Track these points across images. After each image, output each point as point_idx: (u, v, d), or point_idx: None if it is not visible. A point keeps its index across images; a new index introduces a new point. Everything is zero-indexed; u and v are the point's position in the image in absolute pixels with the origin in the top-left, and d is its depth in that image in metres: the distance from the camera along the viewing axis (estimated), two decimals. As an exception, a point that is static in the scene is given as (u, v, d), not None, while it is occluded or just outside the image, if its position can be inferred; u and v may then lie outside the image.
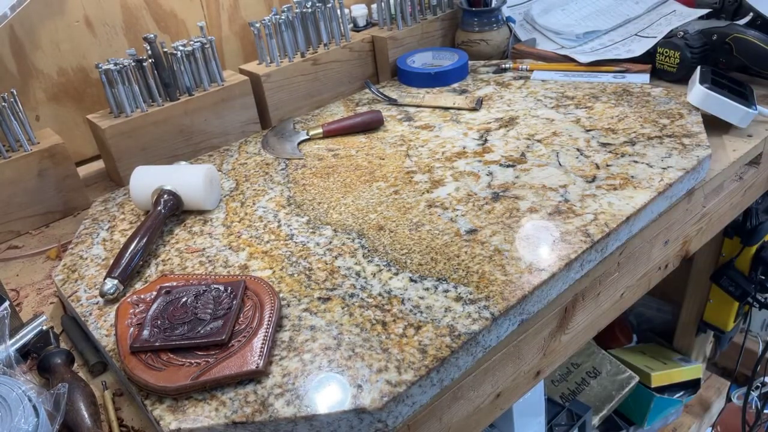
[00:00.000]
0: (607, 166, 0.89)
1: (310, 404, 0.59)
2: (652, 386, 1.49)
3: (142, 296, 0.72)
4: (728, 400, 1.62)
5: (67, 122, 1.09)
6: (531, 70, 1.23)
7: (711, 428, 1.67)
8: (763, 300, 1.40)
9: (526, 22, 1.37)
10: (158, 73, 1.03)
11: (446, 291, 0.70)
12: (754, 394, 1.62)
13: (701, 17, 1.20)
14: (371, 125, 1.09)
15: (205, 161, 1.07)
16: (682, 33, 1.11)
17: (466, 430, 0.72)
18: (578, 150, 0.94)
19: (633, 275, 0.88)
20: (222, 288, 0.70)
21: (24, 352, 0.71)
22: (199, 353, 0.63)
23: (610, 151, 0.92)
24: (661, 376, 1.50)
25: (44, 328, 0.73)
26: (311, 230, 0.84)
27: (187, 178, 0.89)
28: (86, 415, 0.61)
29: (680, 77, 1.12)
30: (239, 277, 0.73)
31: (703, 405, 1.64)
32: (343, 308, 0.69)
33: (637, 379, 1.45)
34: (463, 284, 0.70)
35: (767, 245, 1.34)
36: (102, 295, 0.75)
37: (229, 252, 0.82)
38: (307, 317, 0.69)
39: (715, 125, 1.00)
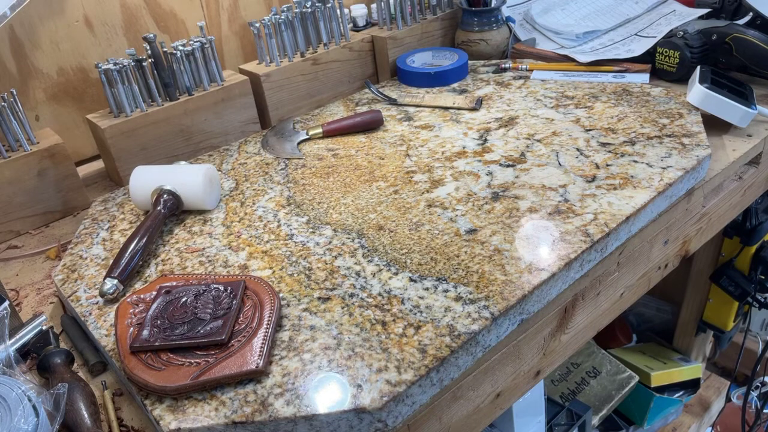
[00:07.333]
0: (607, 165, 0.89)
1: (310, 404, 0.59)
2: (652, 386, 1.49)
3: (142, 296, 0.72)
4: (728, 399, 1.62)
5: (67, 122, 1.09)
6: (531, 70, 1.23)
7: (711, 428, 1.67)
8: (762, 300, 1.40)
9: (525, 21, 1.37)
10: (158, 73, 1.03)
11: (446, 291, 0.70)
12: (754, 393, 1.62)
13: (701, 17, 1.20)
14: (371, 125, 1.09)
15: (205, 161, 1.07)
16: (681, 33, 1.11)
17: (466, 430, 0.72)
18: (578, 150, 0.94)
19: (633, 275, 0.88)
20: (222, 288, 0.70)
21: (24, 352, 0.71)
22: (199, 353, 0.63)
23: (609, 151, 0.92)
24: (660, 376, 1.50)
25: (44, 327, 0.73)
26: (311, 230, 0.84)
27: (187, 178, 0.89)
28: (86, 415, 0.61)
29: (680, 77, 1.12)
30: (239, 277, 0.73)
31: (702, 405, 1.64)
32: (342, 308, 0.70)
33: (637, 378, 1.45)
34: (462, 284, 0.71)
35: (767, 245, 1.34)
36: (102, 295, 0.75)
37: (229, 252, 0.82)
38: (306, 317, 0.69)
39: (714, 125, 1.00)
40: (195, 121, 1.07)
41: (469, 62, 1.28)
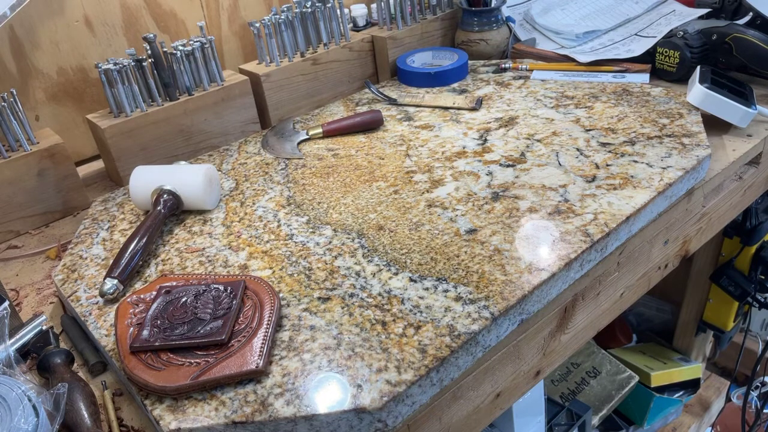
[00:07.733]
0: (607, 165, 0.89)
1: (310, 404, 0.59)
2: (652, 386, 1.49)
3: (142, 296, 0.72)
4: (728, 399, 1.62)
5: (67, 122, 1.09)
6: (531, 70, 1.23)
7: (711, 428, 1.67)
8: (762, 300, 1.40)
9: (525, 21, 1.37)
10: (158, 73, 1.03)
11: (446, 291, 0.70)
12: (754, 393, 1.62)
13: (701, 17, 1.20)
14: (371, 125, 1.09)
15: (205, 161, 1.07)
16: (681, 33, 1.11)
17: (466, 430, 0.72)
18: (578, 150, 0.94)
19: (633, 275, 0.88)
20: (222, 288, 0.70)
21: (24, 352, 0.71)
22: (199, 353, 0.63)
23: (609, 151, 0.92)
24: (660, 376, 1.50)
25: (44, 327, 0.73)
26: (311, 230, 0.84)
27: (187, 178, 0.89)
28: (86, 415, 0.61)
29: (680, 77, 1.12)
30: (239, 277, 0.73)
31: (702, 405, 1.64)
32: (342, 308, 0.70)
33: (637, 378, 1.45)
34: (462, 284, 0.71)
35: (767, 245, 1.34)
36: (102, 295, 0.75)
37: (229, 252, 0.82)
38: (306, 317, 0.69)
39: (714, 125, 1.00)
40: (195, 121, 1.07)
41: (469, 62, 1.28)
